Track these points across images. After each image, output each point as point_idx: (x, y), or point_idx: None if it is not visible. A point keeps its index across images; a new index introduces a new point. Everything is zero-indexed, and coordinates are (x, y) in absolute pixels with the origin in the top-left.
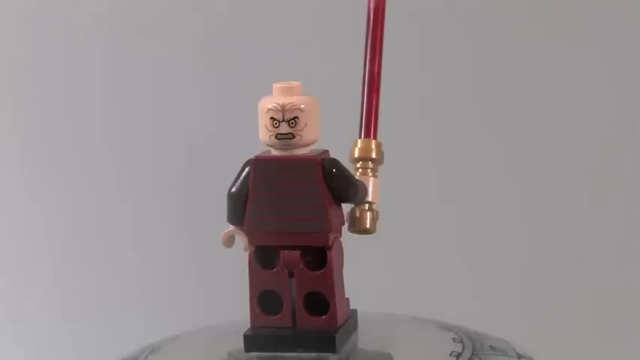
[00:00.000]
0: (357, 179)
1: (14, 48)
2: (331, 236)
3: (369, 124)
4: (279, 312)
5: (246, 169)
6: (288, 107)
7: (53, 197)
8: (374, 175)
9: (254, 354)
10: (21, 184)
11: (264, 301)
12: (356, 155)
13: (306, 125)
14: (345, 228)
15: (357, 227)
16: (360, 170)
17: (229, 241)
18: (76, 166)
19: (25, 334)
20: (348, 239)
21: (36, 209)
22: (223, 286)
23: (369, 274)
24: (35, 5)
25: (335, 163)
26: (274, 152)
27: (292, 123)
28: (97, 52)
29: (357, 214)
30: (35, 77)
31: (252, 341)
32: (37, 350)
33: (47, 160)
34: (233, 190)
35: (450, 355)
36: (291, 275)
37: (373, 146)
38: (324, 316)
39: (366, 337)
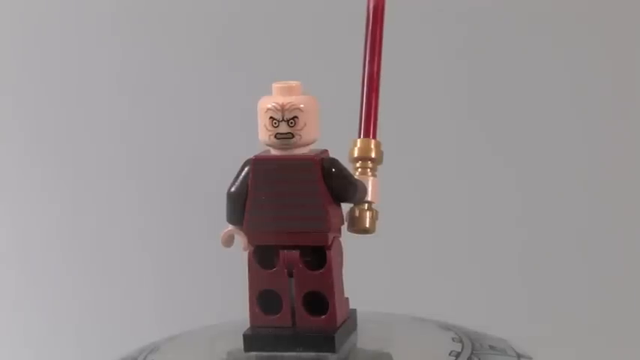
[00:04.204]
0: (356, 179)
1: (14, 48)
2: (330, 236)
3: (369, 124)
4: (278, 312)
5: (246, 169)
6: (287, 107)
7: (54, 197)
8: (373, 175)
9: (253, 354)
10: (21, 185)
11: (264, 300)
12: (355, 155)
13: (305, 125)
14: (344, 227)
15: (357, 227)
16: (360, 170)
17: (229, 241)
18: (75, 165)
19: (25, 334)
20: (348, 239)
21: (37, 210)
22: (223, 285)
23: (369, 273)
24: (35, 5)
25: (334, 162)
26: (274, 152)
27: (291, 123)
28: (97, 51)
29: (357, 214)
30: (37, 78)
31: (251, 341)
32: (37, 350)
33: (48, 160)
34: (232, 189)
35: (450, 354)
36: (290, 275)
37: (372, 146)
38: (323, 316)
39: (365, 337)
